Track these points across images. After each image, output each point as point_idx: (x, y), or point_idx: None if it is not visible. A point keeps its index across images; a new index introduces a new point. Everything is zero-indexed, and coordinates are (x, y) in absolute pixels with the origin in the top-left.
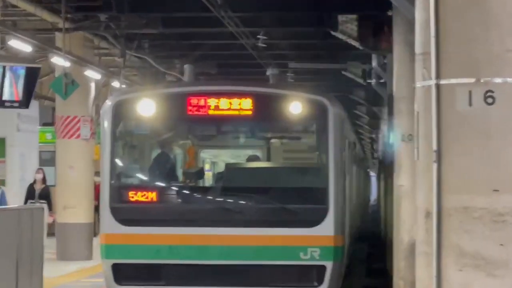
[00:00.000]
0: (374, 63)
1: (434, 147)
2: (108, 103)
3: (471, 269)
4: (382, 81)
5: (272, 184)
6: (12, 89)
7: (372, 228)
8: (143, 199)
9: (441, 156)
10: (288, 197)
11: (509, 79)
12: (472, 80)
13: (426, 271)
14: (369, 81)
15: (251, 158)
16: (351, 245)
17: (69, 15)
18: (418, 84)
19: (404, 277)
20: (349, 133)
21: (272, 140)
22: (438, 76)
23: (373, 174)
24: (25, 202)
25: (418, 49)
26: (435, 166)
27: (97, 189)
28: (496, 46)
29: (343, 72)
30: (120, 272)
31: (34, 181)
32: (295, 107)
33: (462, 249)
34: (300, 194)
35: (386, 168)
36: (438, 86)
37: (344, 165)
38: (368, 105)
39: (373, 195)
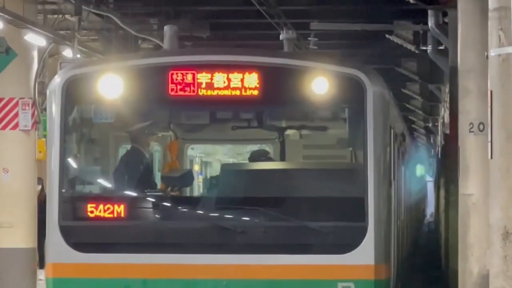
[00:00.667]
0: (430, 23)
1: None
2: (57, 80)
3: None
4: (442, 48)
5: (288, 193)
6: None
7: (429, 254)
8: (106, 214)
9: None
10: (310, 212)
11: None
12: None
13: None
14: (423, 48)
15: (257, 155)
16: (400, 278)
17: None
18: (493, 52)
19: None
20: (395, 122)
21: (288, 132)
22: None
23: (430, 179)
24: None
25: (493, 3)
26: None
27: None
28: None
29: (388, 36)
30: None
31: None
32: (319, 85)
33: None
34: (327, 207)
35: (448, 171)
36: None
37: (388, 167)
38: (423, 81)
39: (430, 208)
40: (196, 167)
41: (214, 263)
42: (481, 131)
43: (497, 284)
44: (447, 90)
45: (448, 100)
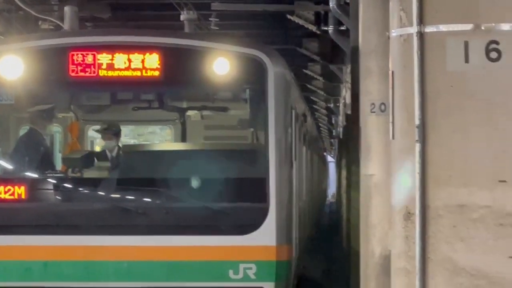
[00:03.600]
0: (332, 3)
1: (417, 121)
2: None
3: None
4: (343, 28)
5: (188, 174)
6: None
7: (331, 235)
8: (6, 196)
9: (426, 134)
10: (211, 193)
11: None
12: (469, 26)
13: None
14: (325, 28)
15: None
16: (301, 259)
17: None
18: (394, 32)
19: None
20: (297, 102)
21: (189, 113)
22: (421, 22)
23: (331, 159)
24: None
25: None
26: (418, 147)
27: None
28: None
29: (289, 17)
30: None
31: None
32: (220, 66)
33: (456, 263)
34: (228, 188)
35: (350, 151)
36: (421, 36)
37: (290, 148)
38: (324, 62)
39: (332, 189)
40: (98, 149)
41: (115, 244)
42: (382, 111)
43: (399, 265)
44: (348, 70)
45: (349, 80)
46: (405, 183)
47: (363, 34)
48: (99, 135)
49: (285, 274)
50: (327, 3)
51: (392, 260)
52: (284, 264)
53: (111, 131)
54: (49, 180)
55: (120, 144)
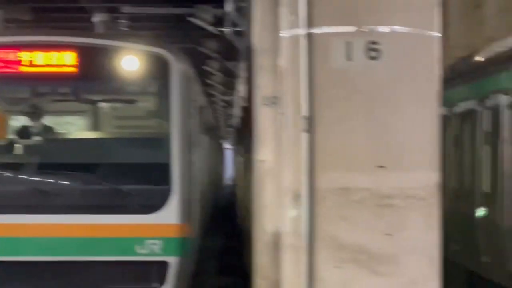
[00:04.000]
0: (228, 7)
1: (304, 113)
2: None
3: (351, 265)
4: (239, 29)
5: (98, 160)
6: None
7: (229, 215)
8: None
9: (313, 124)
10: (118, 176)
11: (396, 27)
12: (352, 28)
13: (295, 269)
14: (222, 29)
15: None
16: (202, 237)
17: None
18: (284, 33)
19: (267, 275)
20: (197, 95)
21: (102, 105)
22: (308, 24)
23: (229, 146)
24: None
25: None
26: (305, 136)
27: None
28: None
29: (190, 19)
30: None
31: None
32: (128, 62)
33: (340, 240)
34: (134, 171)
35: (245, 140)
36: (308, 36)
37: (190, 136)
38: (222, 59)
39: (230, 173)
40: (19, 137)
41: (32, 222)
42: (273, 104)
43: (288, 242)
44: (243, 67)
45: (244, 76)
46: (294, 168)
47: (257, 34)
48: (21, 125)
49: (188, 249)
50: (225, 7)
51: (282, 237)
52: (186, 240)
53: (32, 121)
54: None
55: (39, 133)
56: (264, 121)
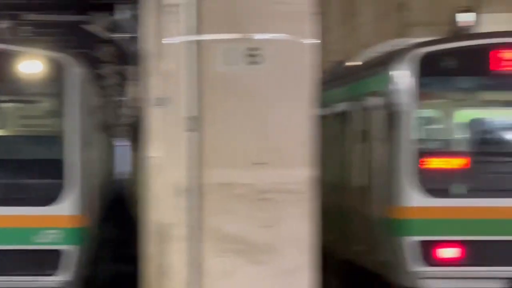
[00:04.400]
0: (120, 15)
1: (191, 113)
2: None
3: (232, 254)
4: (131, 35)
5: (1, 156)
6: None
7: (124, 207)
8: None
9: (199, 123)
10: (17, 171)
11: (275, 35)
12: (234, 36)
13: (181, 258)
14: (115, 35)
15: None
16: (98, 227)
17: None
18: (171, 39)
19: (156, 264)
20: (92, 96)
21: (4, 105)
22: (195, 31)
23: (123, 143)
24: None
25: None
26: (192, 135)
27: None
28: None
29: (84, 26)
30: None
31: None
32: (27, 66)
33: (223, 232)
34: (32, 166)
35: (138, 137)
36: (195, 42)
37: (85, 134)
38: (115, 63)
39: (124, 167)
40: None
41: None
42: (162, 105)
43: (175, 232)
44: (135, 71)
45: (137, 79)
46: (181, 164)
47: (146, 40)
48: None
49: (83, 238)
50: (118, 15)
51: (170, 228)
52: (81, 231)
53: None
54: None
55: None
56: (153, 120)
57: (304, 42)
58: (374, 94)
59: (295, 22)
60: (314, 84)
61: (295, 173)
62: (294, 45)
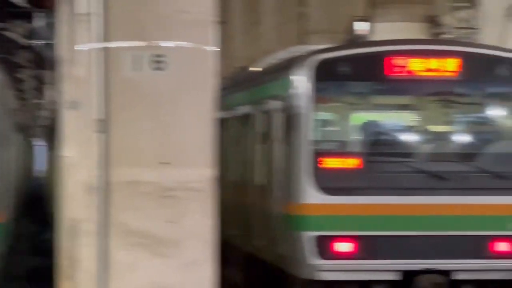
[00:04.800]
0: (38, 23)
1: (100, 115)
2: None
3: (138, 248)
4: (48, 42)
5: None
6: None
7: (42, 204)
8: None
9: (107, 125)
10: None
11: (179, 43)
12: (141, 43)
13: (90, 252)
14: (33, 42)
15: None
16: (15, 222)
17: None
18: (82, 46)
19: (68, 257)
20: (9, 100)
21: None
22: (103, 39)
23: (41, 144)
24: None
25: (81, 9)
26: (100, 136)
27: None
28: (166, 6)
29: (3, 32)
30: None
31: None
32: None
33: (130, 227)
34: None
35: (54, 137)
36: (103, 50)
37: (2, 134)
38: (33, 68)
39: (42, 166)
40: None
41: None
42: (74, 107)
43: (85, 227)
44: (52, 75)
45: (53, 83)
46: (91, 163)
47: (61, 47)
48: None
49: (2, 234)
50: (37, 23)
51: (80, 224)
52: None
53: None
54: None
55: None
56: (66, 122)
57: (206, 49)
58: (274, 98)
59: (198, 30)
60: (216, 89)
61: (197, 172)
62: (197, 52)
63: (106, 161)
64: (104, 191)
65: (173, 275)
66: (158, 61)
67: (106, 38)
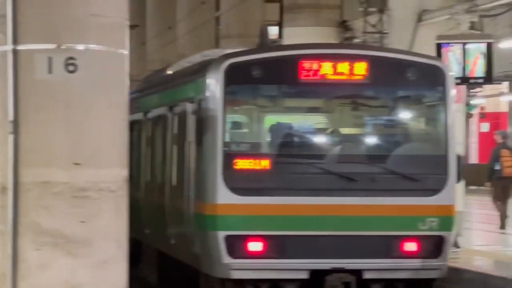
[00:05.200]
0: None
1: (11, 117)
2: None
3: (50, 248)
4: None
5: None
6: None
7: None
8: None
9: (18, 126)
10: None
11: (92, 46)
12: (53, 46)
13: (2, 252)
14: None
15: None
16: None
17: None
18: None
19: None
20: None
21: None
22: (15, 41)
23: None
24: None
25: None
26: (11, 137)
27: None
28: (79, 9)
29: None
30: None
31: None
32: None
33: (41, 227)
34: None
35: None
36: (15, 52)
37: None
38: None
39: None
40: None
41: None
42: None
43: None
44: None
45: None
46: (1, 165)
47: None
48: None
49: None
50: None
51: None
52: None
53: None
54: None
55: None
56: None
57: (120, 52)
58: (188, 100)
59: (111, 34)
60: (128, 91)
61: (109, 173)
62: (111, 55)
63: (17, 162)
64: (15, 191)
65: (85, 274)
66: (71, 64)
67: (18, 40)
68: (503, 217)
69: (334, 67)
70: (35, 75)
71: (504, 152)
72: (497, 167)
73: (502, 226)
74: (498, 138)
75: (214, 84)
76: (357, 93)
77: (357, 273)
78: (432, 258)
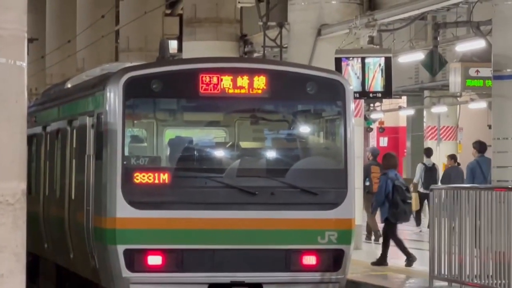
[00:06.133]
0: None
1: None
2: None
3: None
4: None
5: None
6: None
7: None
8: None
9: None
10: None
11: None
12: None
13: None
14: None
15: None
16: None
17: None
18: None
19: None
20: None
21: None
22: None
23: None
24: None
25: None
26: None
27: None
28: None
29: None
30: None
31: None
32: None
33: None
34: None
35: None
36: None
37: None
38: None
39: None
40: None
41: None
42: None
43: None
44: None
45: None
46: None
47: None
48: None
49: None
50: None
51: None
52: None
53: None
54: None
55: None
56: None
57: (18, 64)
58: (87, 114)
59: (9, 45)
60: (26, 105)
61: (7, 186)
62: (7, 67)
63: None
64: None
65: None
66: None
67: None
68: (375, 230)
69: (234, 81)
70: None
71: (374, 168)
72: (367, 183)
73: (376, 239)
74: (369, 155)
75: (113, 98)
76: (256, 107)
77: (257, 286)
78: (332, 271)
